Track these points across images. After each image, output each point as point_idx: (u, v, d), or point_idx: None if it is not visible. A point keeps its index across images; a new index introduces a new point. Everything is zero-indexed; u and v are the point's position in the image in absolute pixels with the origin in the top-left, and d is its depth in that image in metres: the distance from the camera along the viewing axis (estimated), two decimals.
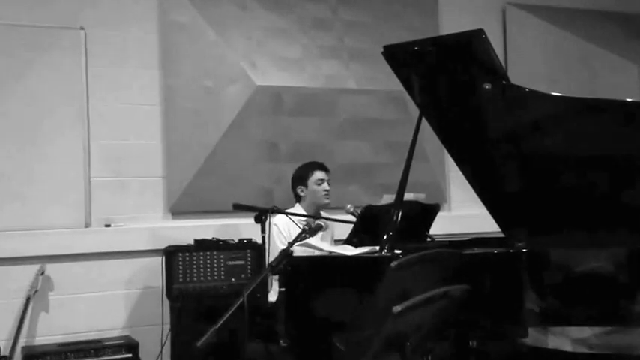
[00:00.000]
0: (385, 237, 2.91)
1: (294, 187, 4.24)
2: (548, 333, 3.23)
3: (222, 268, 4.21)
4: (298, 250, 3.13)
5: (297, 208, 4.17)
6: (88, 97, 4.47)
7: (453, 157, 3.39)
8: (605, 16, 5.98)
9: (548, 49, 5.77)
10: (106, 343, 4.13)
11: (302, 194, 4.19)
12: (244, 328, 2.79)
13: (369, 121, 5.18)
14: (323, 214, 4.23)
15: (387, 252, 2.87)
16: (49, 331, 4.27)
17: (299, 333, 2.90)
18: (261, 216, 3.70)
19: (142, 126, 4.61)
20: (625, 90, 5.57)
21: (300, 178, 4.21)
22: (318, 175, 4.18)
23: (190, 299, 4.09)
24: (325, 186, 4.17)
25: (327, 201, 4.19)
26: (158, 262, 4.14)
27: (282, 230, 4.02)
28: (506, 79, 2.88)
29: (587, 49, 5.86)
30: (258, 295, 3.71)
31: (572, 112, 2.92)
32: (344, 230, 4.04)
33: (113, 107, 4.54)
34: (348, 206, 4.15)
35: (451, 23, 5.30)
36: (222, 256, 4.21)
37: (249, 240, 4.28)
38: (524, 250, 2.90)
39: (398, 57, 3.08)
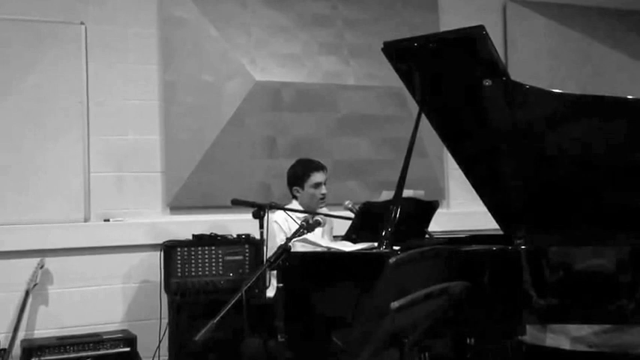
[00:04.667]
0: (384, 233, 2.92)
1: (289, 186, 4.16)
2: (546, 331, 3.24)
3: (220, 264, 4.21)
4: (297, 246, 3.13)
5: (295, 204, 4.14)
6: (87, 91, 4.47)
7: (452, 153, 3.39)
8: (607, 12, 5.97)
9: (549, 46, 5.76)
10: (105, 337, 4.13)
11: (297, 194, 4.11)
12: (242, 323, 2.79)
13: (369, 117, 5.18)
14: (322, 209, 4.22)
15: (385, 248, 2.87)
16: (48, 325, 4.28)
17: (297, 329, 2.90)
18: (260, 211, 3.69)
19: (142, 121, 4.61)
20: (627, 87, 5.56)
21: (297, 178, 4.10)
22: (316, 177, 4.07)
23: (188, 294, 4.10)
24: (322, 190, 4.08)
25: (322, 205, 4.14)
26: (156, 256, 4.14)
27: (283, 227, 4.01)
28: (507, 75, 2.88)
29: (588, 46, 5.85)
30: (257, 290, 3.71)
31: (573, 110, 2.92)
32: (342, 226, 4.03)
33: (113, 102, 4.54)
34: (347, 202, 4.13)
35: (451, 20, 5.29)
36: (220, 252, 4.22)
37: (248, 235, 4.28)
38: (523, 247, 2.90)
39: (398, 53, 3.08)
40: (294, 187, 4.12)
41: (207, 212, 4.67)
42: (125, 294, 4.50)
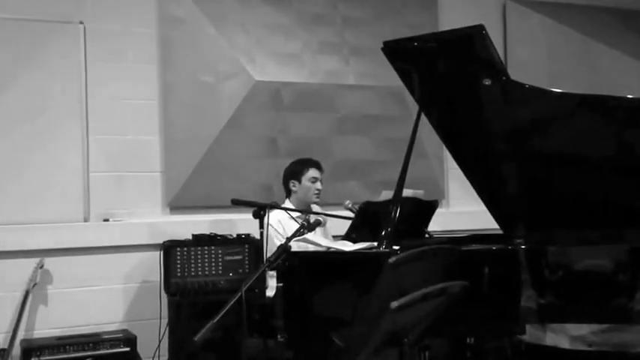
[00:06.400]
0: (384, 233, 2.92)
1: (286, 182, 4.22)
2: (546, 330, 3.24)
3: (220, 263, 4.21)
4: (296, 246, 3.13)
5: (287, 204, 4.16)
6: (86, 91, 4.47)
7: (451, 153, 3.39)
8: (606, 11, 5.97)
9: (549, 46, 5.76)
10: (104, 337, 4.12)
11: (294, 189, 4.16)
12: (242, 323, 2.78)
13: (368, 117, 5.18)
14: (321, 209, 4.23)
15: (385, 248, 2.87)
16: (47, 325, 4.28)
17: (297, 329, 2.90)
18: (260, 211, 3.69)
19: (141, 121, 4.61)
20: (626, 86, 5.55)
21: (294, 173, 4.18)
22: (313, 173, 4.16)
23: (188, 294, 4.09)
24: (318, 185, 4.16)
25: (316, 200, 4.19)
26: (156, 256, 4.14)
27: (277, 228, 4.01)
28: (506, 75, 2.88)
29: (587, 45, 5.86)
30: (256, 290, 3.71)
31: (573, 109, 2.92)
32: (342, 226, 4.03)
33: (112, 102, 4.53)
34: (347, 202, 4.15)
35: (451, 19, 5.28)
36: (220, 251, 4.22)
37: (247, 235, 4.28)
38: (522, 246, 2.90)
39: (397, 53, 3.08)
40: (292, 181, 4.18)
41: (207, 212, 4.67)
42: (125, 294, 4.49)
